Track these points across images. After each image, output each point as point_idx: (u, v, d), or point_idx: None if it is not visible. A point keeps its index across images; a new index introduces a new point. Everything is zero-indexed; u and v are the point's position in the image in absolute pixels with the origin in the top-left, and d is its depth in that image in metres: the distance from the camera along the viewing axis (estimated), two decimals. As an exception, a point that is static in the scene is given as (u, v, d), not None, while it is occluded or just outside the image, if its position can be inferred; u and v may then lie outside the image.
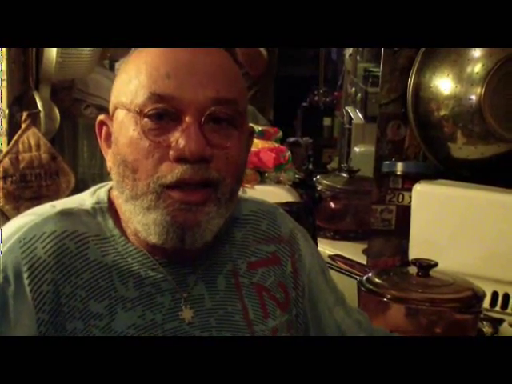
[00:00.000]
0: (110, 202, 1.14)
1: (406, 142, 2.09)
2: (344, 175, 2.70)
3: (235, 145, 1.08)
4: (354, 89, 3.84)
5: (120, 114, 1.07)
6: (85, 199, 1.15)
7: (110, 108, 1.10)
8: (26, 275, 1.05)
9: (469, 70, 1.90)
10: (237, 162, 1.09)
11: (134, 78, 1.05)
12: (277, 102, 4.04)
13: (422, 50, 1.99)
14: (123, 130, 1.06)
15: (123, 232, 1.12)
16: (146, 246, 1.10)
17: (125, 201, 1.07)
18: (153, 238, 1.05)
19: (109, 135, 1.11)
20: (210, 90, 1.05)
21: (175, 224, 1.04)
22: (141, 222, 1.05)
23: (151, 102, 1.03)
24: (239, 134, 1.08)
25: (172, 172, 1.03)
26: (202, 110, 1.04)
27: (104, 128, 1.12)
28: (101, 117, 1.12)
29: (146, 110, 1.03)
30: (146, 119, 1.03)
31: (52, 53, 1.88)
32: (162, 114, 1.03)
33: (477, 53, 1.89)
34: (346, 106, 3.96)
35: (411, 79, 2.01)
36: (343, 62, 4.42)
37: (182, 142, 1.02)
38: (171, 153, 1.03)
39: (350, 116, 3.72)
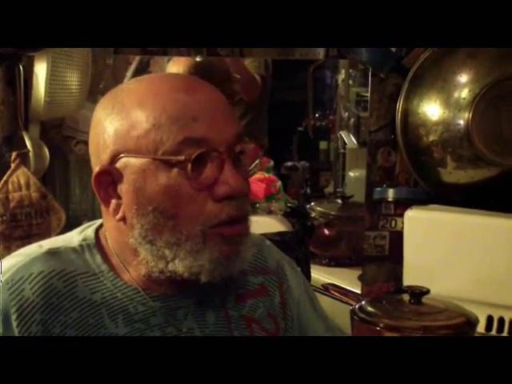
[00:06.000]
0: (98, 238, 1.15)
1: (396, 168, 2.09)
2: (338, 201, 2.70)
3: (248, 175, 1.15)
4: (347, 113, 3.86)
5: (135, 163, 1.06)
6: (72, 237, 1.17)
7: (105, 156, 1.08)
8: (14, 317, 1.06)
9: (456, 95, 1.90)
10: None
11: (152, 124, 1.04)
12: (273, 127, 4.05)
13: (409, 77, 2.00)
14: (150, 178, 1.05)
15: (112, 267, 1.13)
16: (141, 280, 1.11)
17: (158, 247, 1.07)
18: (203, 277, 1.07)
19: (111, 185, 1.09)
20: (231, 126, 1.08)
21: (225, 258, 1.07)
22: (188, 264, 1.07)
23: (185, 146, 1.04)
24: (247, 165, 1.13)
25: (222, 211, 1.05)
26: (232, 146, 1.07)
27: (104, 178, 1.09)
28: (100, 168, 1.09)
29: (186, 156, 1.03)
30: (185, 164, 1.04)
31: (40, 92, 1.90)
32: (199, 157, 1.04)
33: (463, 78, 1.90)
34: (339, 131, 3.97)
35: (399, 106, 2.01)
36: (337, 86, 4.44)
37: (227, 181, 1.05)
38: (217, 192, 1.05)
39: (343, 140, 3.73)
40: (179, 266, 1.07)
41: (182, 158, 1.03)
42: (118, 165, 1.07)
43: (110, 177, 1.09)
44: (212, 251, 1.06)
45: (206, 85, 1.12)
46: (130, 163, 1.06)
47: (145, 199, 1.06)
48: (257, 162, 2.13)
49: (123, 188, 1.08)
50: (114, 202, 1.10)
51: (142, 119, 1.05)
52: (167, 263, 1.07)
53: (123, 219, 1.09)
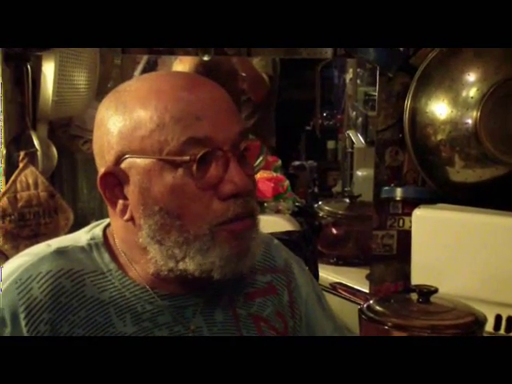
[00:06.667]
0: (106, 237, 1.15)
1: (404, 168, 2.09)
2: (346, 200, 2.70)
3: (254, 173, 1.13)
4: (354, 113, 3.85)
5: (140, 163, 1.05)
6: (80, 236, 1.17)
7: (109, 157, 1.08)
8: (22, 316, 1.06)
9: (464, 94, 1.90)
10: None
11: (156, 124, 1.04)
12: (280, 126, 4.05)
13: (417, 76, 2.00)
14: (155, 178, 1.05)
15: (120, 266, 1.13)
16: (149, 279, 1.11)
17: (167, 247, 1.07)
18: (216, 274, 1.07)
19: (117, 186, 1.09)
20: (235, 124, 1.08)
21: (235, 254, 1.07)
22: (198, 262, 1.06)
23: (190, 146, 1.03)
24: (252, 162, 1.13)
25: (228, 209, 1.05)
26: (236, 144, 1.07)
27: (110, 179, 1.09)
28: (106, 170, 1.08)
29: (191, 156, 1.03)
30: (190, 164, 1.03)
31: (48, 92, 1.90)
32: (204, 156, 1.04)
33: (471, 77, 1.90)
34: (347, 130, 3.97)
35: (407, 105, 2.01)
36: (345, 85, 4.43)
37: (233, 180, 1.04)
38: (222, 190, 1.05)
39: (351, 140, 3.72)
40: (190, 265, 1.06)
41: (186, 158, 1.03)
42: (123, 166, 1.07)
43: (116, 178, 1.08)
44: (222, 248, 1.06)
45: (209, 82, 1.11)
46: (135, 164, 1.06)
47: (151, 199, 1.06)
48: (261, 158, 2.13)
49: (129, 189, 1.08)
50: (120, 202, 1.09)
51: (145, 119, 1.05)
52: (177, 262, 1.07)
53: (131, 219, 1.09)
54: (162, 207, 1.05)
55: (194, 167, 1.03)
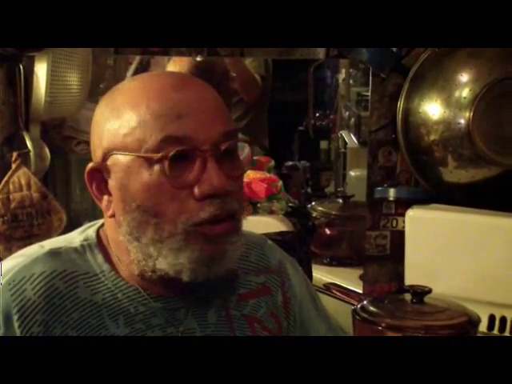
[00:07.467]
0: (99, 238, 1.16)
1: (397, 168, 2.09)
2: (339, 201, 2.70)
3: (241, 174, 1.12)
4: (347, 113, 3.86)
5: (121, 160, 1.06)
6: (73, 237, 1.17)
7: (98, 153, 1.09)
8: (15, 317, 1.05)
9: (456, 94, 1.90)
10: (244, 190, 1.14)
11: (137, 122, 1.05)
12: (273, 127, 4.05)
13: (410, 76, 2.00)
14: (134, 175, 1.05)
15: (113, 267, 1.13)
16: (137, 280, 1.11)
17: (144, 245, 1.07)
18: (185, 276, 1.06)
19: (103, 182, 1.10)
20: (219, 124, 1.07)
21: (207, 258, 1.06)
22: (170, 262, 1.06)
23: (167, 144, 1.03)
24: (240, 163, 1.11)
25: (203, 209, 1.04)
26: (217, 145, 1.05)
27: (96, 175, 1.10)
28: (92, 165, 1.10)
29: (164, 153, 1.03)
30: (163, 162, 1.03)
31: (41, 92, 1.90)
32: (179, 155, 1.03)
33: (464, 78, 1.90)
34: (340, 130, 3.97)
35: (400, 105, 2.01)
36: (338, 85, 4.44)
37: (209, 179, 1.04)
38: (198, 191, 1.04)
39: (344, 140, 3.73)
40: (163, 264, 1.06)
41: (159, 155, 1.03)
42: (109, 162, 1.08)
43: (101, 174, 1.09)
44: (193, 250, 1.05)
45: (199, 82, 1.11)
46: (118, 161, 1.07)
47: (129, 196, 1.06)
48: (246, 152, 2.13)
49: (112, 184, 1.09)
50: (105, 198, 1.10)
51: (129, 117, 1.06)
52: (154, 261, 1.07)
53: (114, 216, 1.10)
54: (139, 204, 1.05)
55: (167, 165, 1.03)
